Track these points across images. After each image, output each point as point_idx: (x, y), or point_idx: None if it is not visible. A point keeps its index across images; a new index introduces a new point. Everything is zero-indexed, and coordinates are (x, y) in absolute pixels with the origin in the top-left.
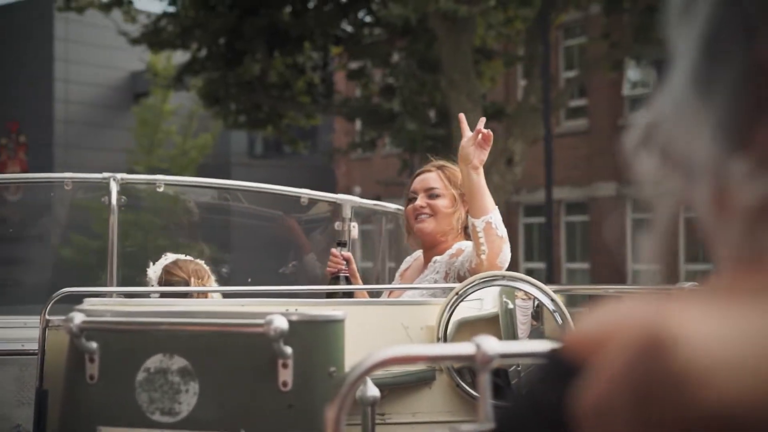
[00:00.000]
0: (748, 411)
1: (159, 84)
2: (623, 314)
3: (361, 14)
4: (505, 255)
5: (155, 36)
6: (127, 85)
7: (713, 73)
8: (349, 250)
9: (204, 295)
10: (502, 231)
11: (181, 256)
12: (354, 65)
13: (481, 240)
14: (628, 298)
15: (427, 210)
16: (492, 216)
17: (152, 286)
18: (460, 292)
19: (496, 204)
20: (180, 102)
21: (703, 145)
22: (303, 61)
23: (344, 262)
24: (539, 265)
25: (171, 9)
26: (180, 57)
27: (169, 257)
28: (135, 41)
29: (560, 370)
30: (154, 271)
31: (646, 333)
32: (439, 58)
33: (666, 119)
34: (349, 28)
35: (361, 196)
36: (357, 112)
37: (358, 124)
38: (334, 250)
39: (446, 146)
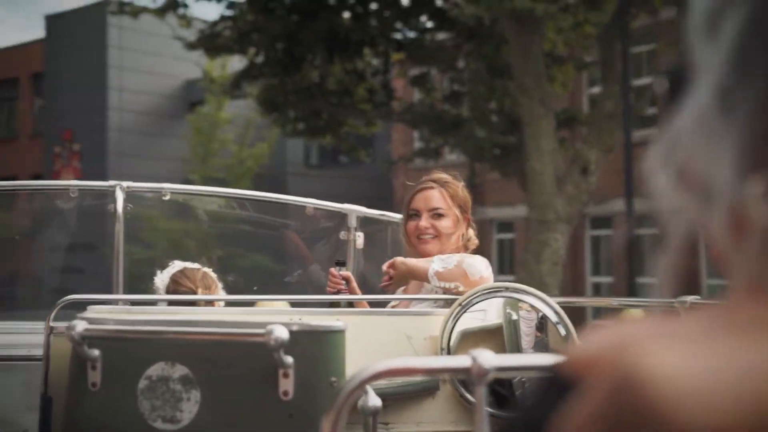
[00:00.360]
0: None
1: (215, 91)
2: (617, 339)
3: (423, 18)
4: (473, 268)
5: (212, 41)
6: (181, 94)
7: (739, 90)
8: (355, 263)
9: (211, 303)
10: (451, 260)
11: (189, 264)
12: (415, 71)
13: (449, 285)
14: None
15: (431, 231)
16: (432, 268)
17: (159, 294)
18: (463, 303)
19: (572, 217)
20: (236, 110)
21: (723, 165)
22: (363, 67)
23: (343, 282)
24: (607, 279)
25: (229, 12)
26: (236, 64)
27: (176, 265)
28: (191, 46)
29: (558, 387)
30: (161, 279)
31: (621, 371)
32: (508, 63)
33: (686, 136)
34: (411, 33)
35: None
36: (421, 119)
37: (416, 133)
38: (333, 270)
39: (515, 154)
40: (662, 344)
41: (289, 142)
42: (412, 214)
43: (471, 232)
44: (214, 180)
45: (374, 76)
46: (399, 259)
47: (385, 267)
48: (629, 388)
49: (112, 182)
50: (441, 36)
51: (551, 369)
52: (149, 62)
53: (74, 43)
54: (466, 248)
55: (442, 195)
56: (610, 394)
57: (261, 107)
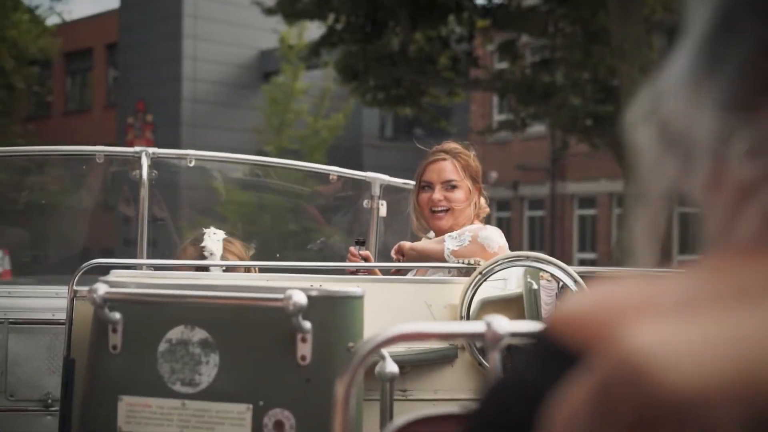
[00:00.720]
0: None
1: (291, 60)
2: (606, 304)
3: None
4: (490, 240)
5: (291, 6)
6: (256, 64)
7: (724, 47)
8: (377, 231)
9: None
10: (464, 237)
11: (221, 232)
12: (499, 39)
13: (467, 261)
14: (620, 278)
15: (444, 203)
16: (447, 248)
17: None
18: (483, 272)
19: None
20: (311, 81)
21: (705, 121)
22: (446, 35)
23: (363, 262)
24: (695, 258)
25: None
26: (313, 32)
27: (212, 231)
28: (269, 11)
29: (543, 349)
30: (216, 247)
31: (617, 353)
32: (604, 28)
33: (671, 92)
34: None
35: (498, 183)
36: (511, 87)
37: (495, 106)
38: (352, 249)
39: (608, 125)
40: (655, 319)
41: (365, 113)
42: (425, 186)
43: (483, 201)
44: (288, 151)
45: (458, 43)
46: (406, 244)
47: (393, 254)
48: (627, 373)
49: (137, 148)
50: (530, 1)
51: (541, 332)
52: (224, 32)
53: (149, 12)
54: (477, 217)
55: (454, 166)
56: (607, 378)
57: (340, 75)
